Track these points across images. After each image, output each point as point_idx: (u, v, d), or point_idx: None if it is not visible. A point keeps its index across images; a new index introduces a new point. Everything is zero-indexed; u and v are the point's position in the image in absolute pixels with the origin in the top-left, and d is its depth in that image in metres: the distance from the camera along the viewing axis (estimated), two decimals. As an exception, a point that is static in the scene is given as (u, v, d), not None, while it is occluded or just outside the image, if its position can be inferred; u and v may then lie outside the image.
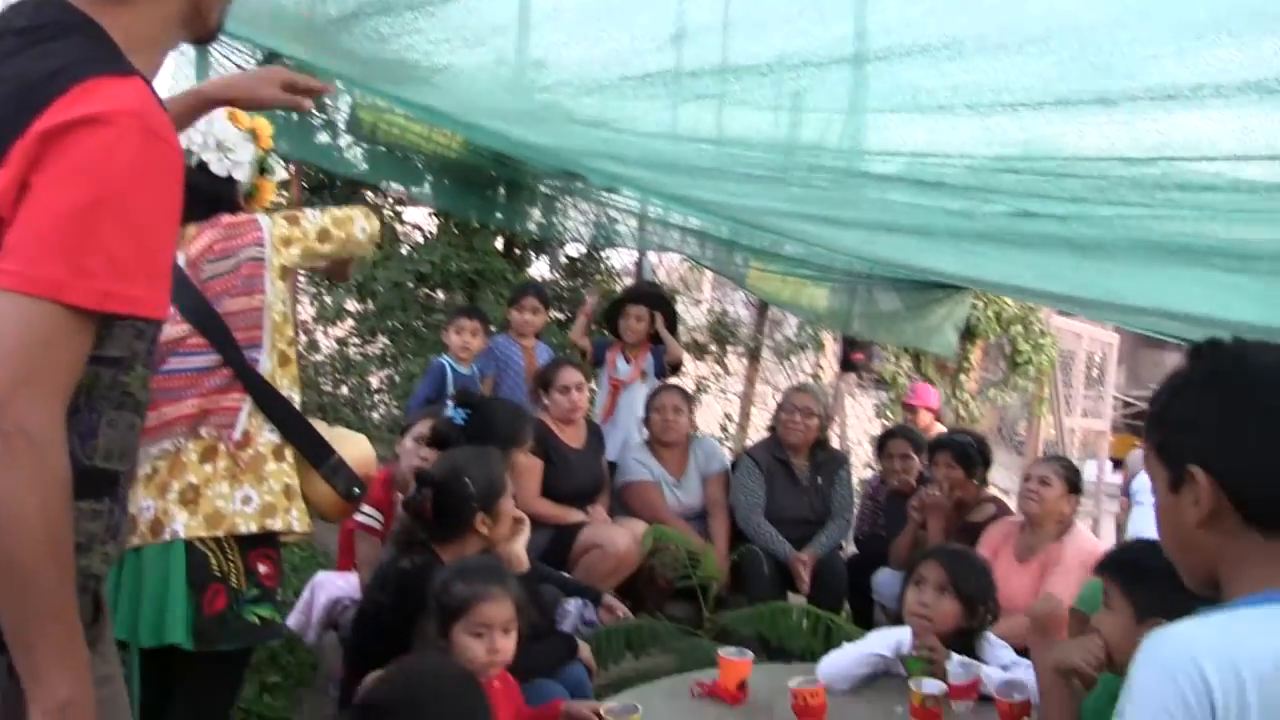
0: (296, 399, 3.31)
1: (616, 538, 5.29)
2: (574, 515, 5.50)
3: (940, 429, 7.97)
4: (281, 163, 4.03)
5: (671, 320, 6.98)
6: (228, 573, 3.07)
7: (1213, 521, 1.61)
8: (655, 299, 7.03)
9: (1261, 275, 2.61)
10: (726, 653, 3.52)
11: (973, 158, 2.72)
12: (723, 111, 3.23)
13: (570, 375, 5.71)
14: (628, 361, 6.73)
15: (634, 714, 3.03)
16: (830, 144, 3.13)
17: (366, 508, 4.50)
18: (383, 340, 9.08)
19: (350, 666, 3.49)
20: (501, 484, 3.62)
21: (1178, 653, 1.55)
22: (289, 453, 3.22)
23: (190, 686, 3.17)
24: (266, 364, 3.19)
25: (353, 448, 3.37)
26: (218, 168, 3.28)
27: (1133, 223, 2.63)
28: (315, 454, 3.25)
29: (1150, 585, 2.77)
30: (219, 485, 3.08)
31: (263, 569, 3.14)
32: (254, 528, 3.10)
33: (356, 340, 9.37)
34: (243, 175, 3.35)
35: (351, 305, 9.19)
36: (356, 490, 3.32)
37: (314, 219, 3.33)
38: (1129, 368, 26.04)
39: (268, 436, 3.18)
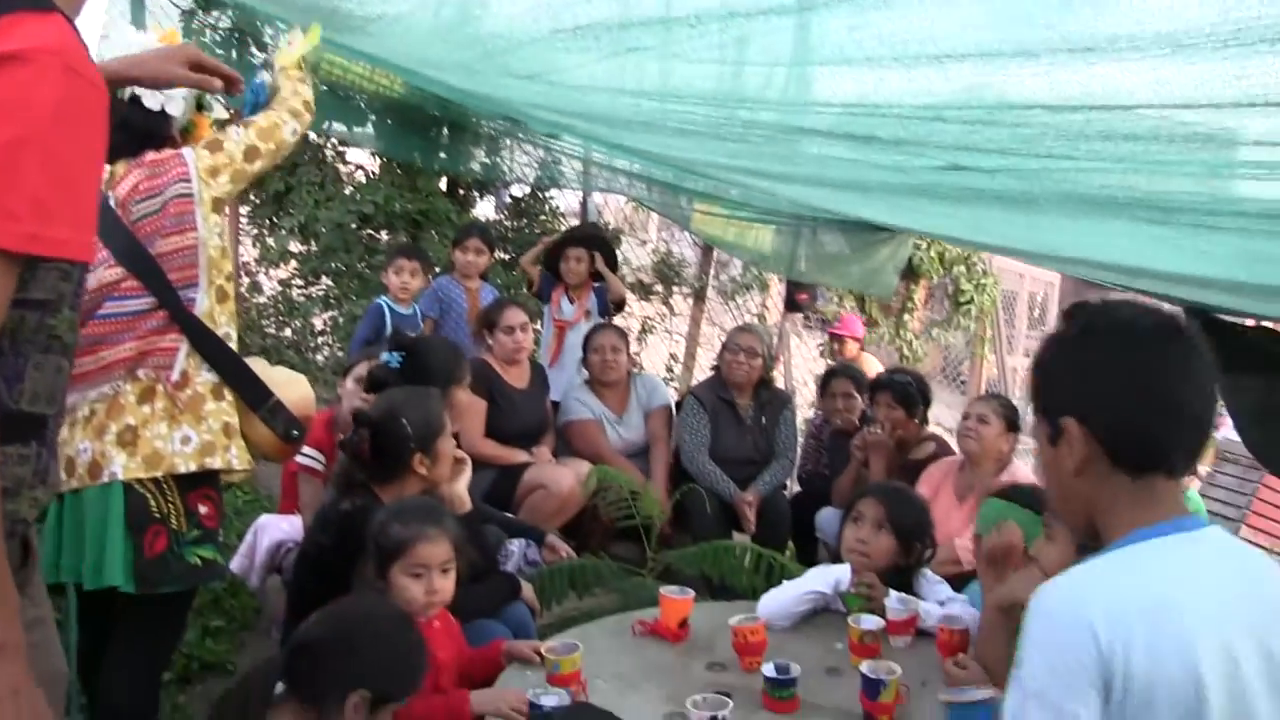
0: (234, 335, 3.27)
1: (560, 478, 5.30)
2: (518, 456, 5.51)
3: (869, 359, 8.04)
4: (221, 100, 3.94)
5: (611, 260, 6.98)
6: (167, 514, 3.04)
7: (1086, 468, 1.75)
8: (594, 240, 7.02)
9: (1183, 228, 2.65)
10: (668, 591, 3.56)
11: (901, 108, 2.74)
12: (663, 65, 3.22)
13: (514, 315, 5.68)
14: (571, 302, 6.72)
15: (575, 652, 3.05)
16: (768, 97, 3.14)
17: (308, 450, 4.48)
18: (326, 282, 8.98)
19: (291, 609, 3.48)
20: (439, 424, 3.59)
21: (1062, 603, 1.68)
22: (228, 391, 3.19)
23: (131, 629, 3.15)
24: (204, 302, 3.15)
25: (291, 389, 3.34)
26: (150, 101, 3.19)
27: (1059, 175, 2.65)
28: (253, 395, 3.22)
29: None
30: (157, 426, 3.05)
31: (203, 510, 3.12)
32: (193, 467, 3.07)
33: (299, 282, 9.26)
34: (176, 110, 3.26)
35: (294, 247, 9.07)
36: (295, 432, 3.30)
37: (238, 138, 3.25)
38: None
39: (206, 376, 3.15)
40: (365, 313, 6.41)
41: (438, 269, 7.62)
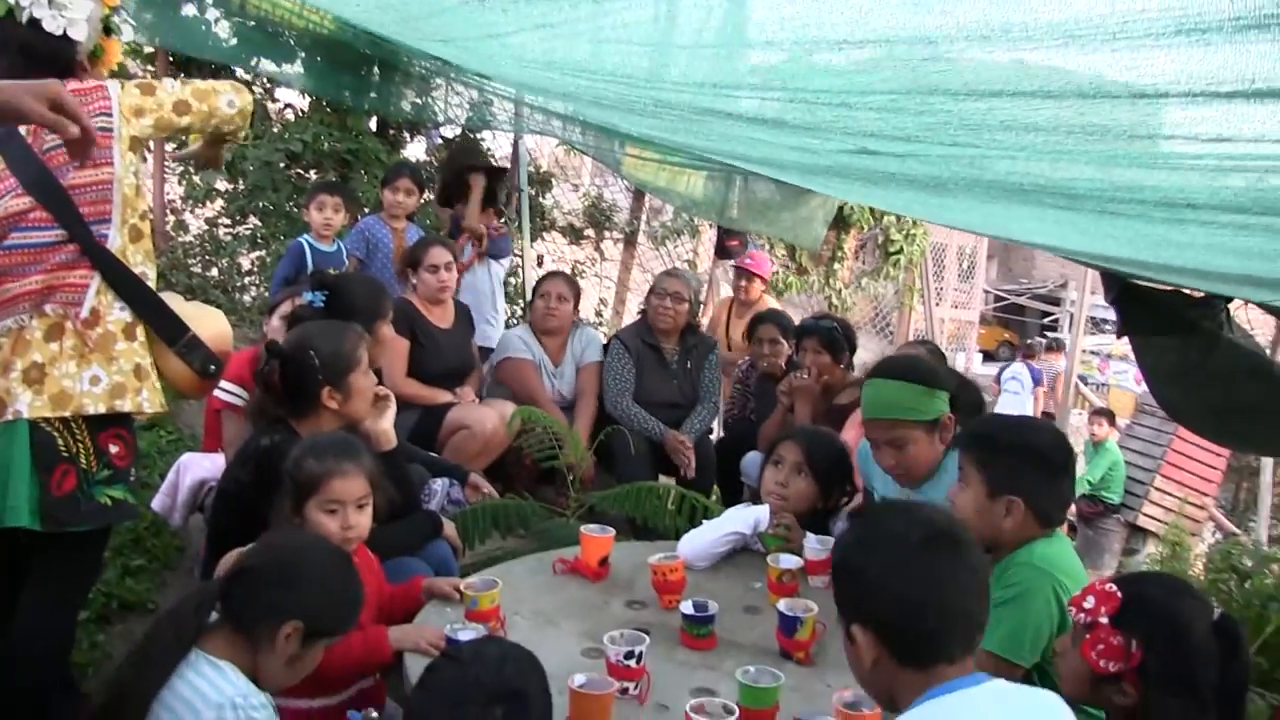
0: (151, 274, 3.21)
1: (484, 418, 5.28)
2: (441, 396, 5.48)
3: (770, 302, 8.04)
4: (132, 23, 3.84)
5: (492, 192, 6.98)
6: (76, 453, 3.00)
7: (878, 665, 1.94)
8: (488, 169, 7.01)
9: (1088, 214, 2.70)
10: (588, 529, 3.58)
11: (805, 91, 2.76)
12: (594, 48, 3.23)
13: (438, 254, 5.61)
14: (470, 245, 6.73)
15: (494, 589, 3.07)
16: (669, 79, 3.17)
17: (232, 386, 4.44)
18: (253, 221, 8.88)
19: (211, 546, 3.45)
20: (350, 359, 3.53)
21: None
22: (141, 331, 3.14)
23: (44, 571, 3.10)
24: (117, 239, 3.09)
25: (208, 324, 3.30)
26: (51, 25, 3.06)
27: (966, 162, 2.69)
28: (168, 331, 3.18)
29: (1003, 461, 2.88)
30: (66, 364, 3.00)
31: (114, 449, 3.07)
32: (102, 408, 3.02)
33: (226, 221, 9.14)
34: (80, 34, 3.13)
35: (221, 185, 8.94)
36: (213, 367, 3.26)
37: (171, 89, 3.20)
38: (1000, 261, 26.65)
39: (118, 314, 3.09)
40: (286, 251, 6.33)
41: (366, 209, 7.55)
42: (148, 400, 3.12)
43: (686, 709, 2.42)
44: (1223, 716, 2.15)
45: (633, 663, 2.71)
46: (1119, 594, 2.20)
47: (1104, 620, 2.19)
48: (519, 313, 9.03)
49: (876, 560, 1.95)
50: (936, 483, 3.54)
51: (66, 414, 2.98)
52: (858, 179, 3.24)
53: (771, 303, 8.13)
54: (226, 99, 3.27)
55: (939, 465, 3.57)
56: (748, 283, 7.90)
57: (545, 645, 2.92)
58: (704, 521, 4.00)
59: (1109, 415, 11.81)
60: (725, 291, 9.94)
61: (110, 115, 3.09)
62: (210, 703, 2.26)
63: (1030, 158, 2.51)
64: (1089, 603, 2.23)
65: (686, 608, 3.08)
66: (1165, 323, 3.71)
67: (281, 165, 8.58)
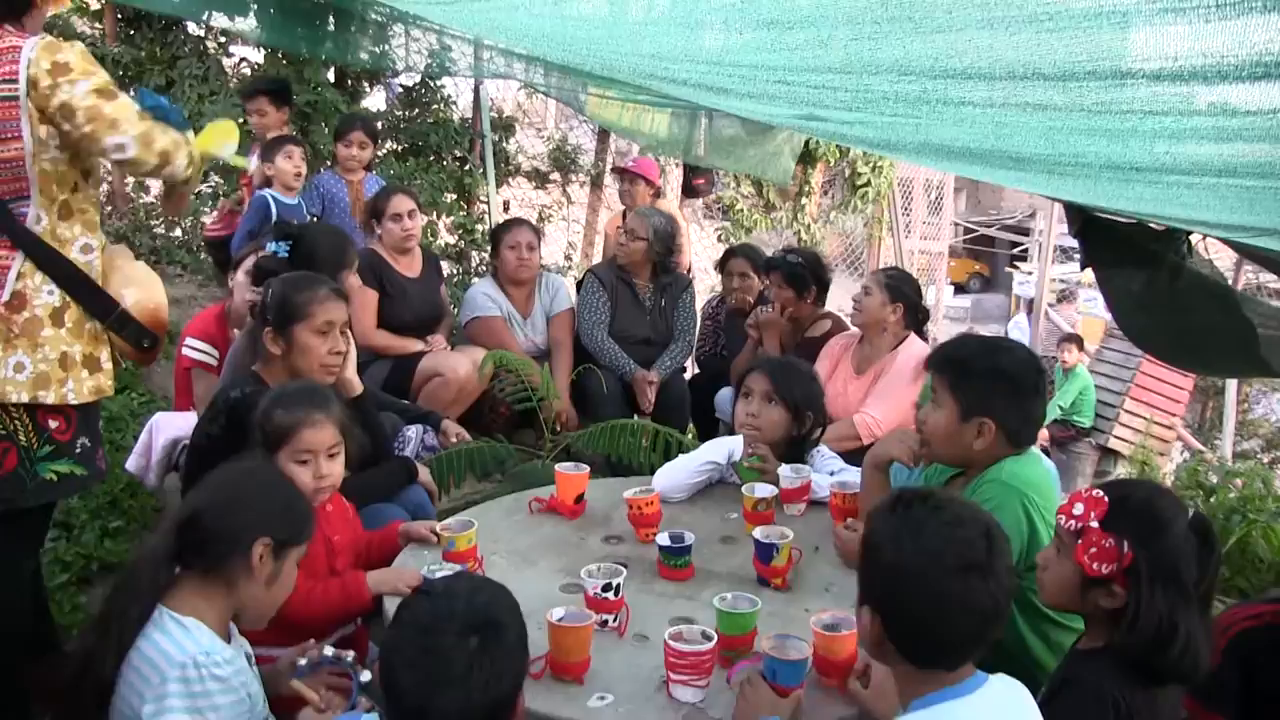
0: (95, 245, 3.11)
1: (456, 365, 5.26)
2: (412, 345, 5.45)
3: (664, 203, 7.73)
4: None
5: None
6: (14, 430, 2.96)
7: (878, 648, 2.05)
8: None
9: (1037, 174, 2.74)
10: (563, 467, 3.59)
11: (742, 68, 2.78)
12: None
13: (401, 202, 5.55)
14: None
15: (470, 529, 3.08)
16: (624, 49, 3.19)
17: (200, 344, 4.43)
18: (214, 179, 8.76)
19: (186, 502, 3.45)
20: (299, 309, 3.49)
21: None
22: (71, 316, 3.05)
23: None
24: (43, 218, 2.99)
25: (139, 294, 3.19)
26: None
27: (911, 127, 2.73)
28: (97, 309, 3.09)
29: (975, 383, 2.90)
30: None
31: (54, 424, 3.02)
32: (25, 398, 2.95)
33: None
34: None
35: (180, 143, 8.82)
36: (146, 342, 3.20)
37: (84, 86, 2.92)
38: (969, 194, 26.65)
39: (45, 298, 3.00)
40: (248, 205, 6.26)
41: (329, 162, 7.47)
42: (73, 391, 3.03)
43: (665, 637, 2.43)
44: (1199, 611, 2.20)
45: (611, 595, 2.72)
46: (1105, 498, 2.23)
47: (1094, 524, 2.22)
48: (485, 260, 8.96)
49: (905, 570, 1.98)
50: None
51: None
52: (812, 131, 3.30)
53: (669, 207, 7.77)
54: (117, 141, 2.96)
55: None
56: (630, 185, 7.42)
57: (524, 583, 2.94)
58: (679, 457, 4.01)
59: (1078, 341, 11.88)
60: (694, 232, 9.91)
61: (15, 81, 2.90)
62: (173, 661, 2.23)
63: (975, 127, 2.56)
64: (1078, 509, 2.26)
65: (663, 539, 3.09)
66: (1128, 255, 3.73)
67: (240, 121, 8.47)
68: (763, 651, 2.41)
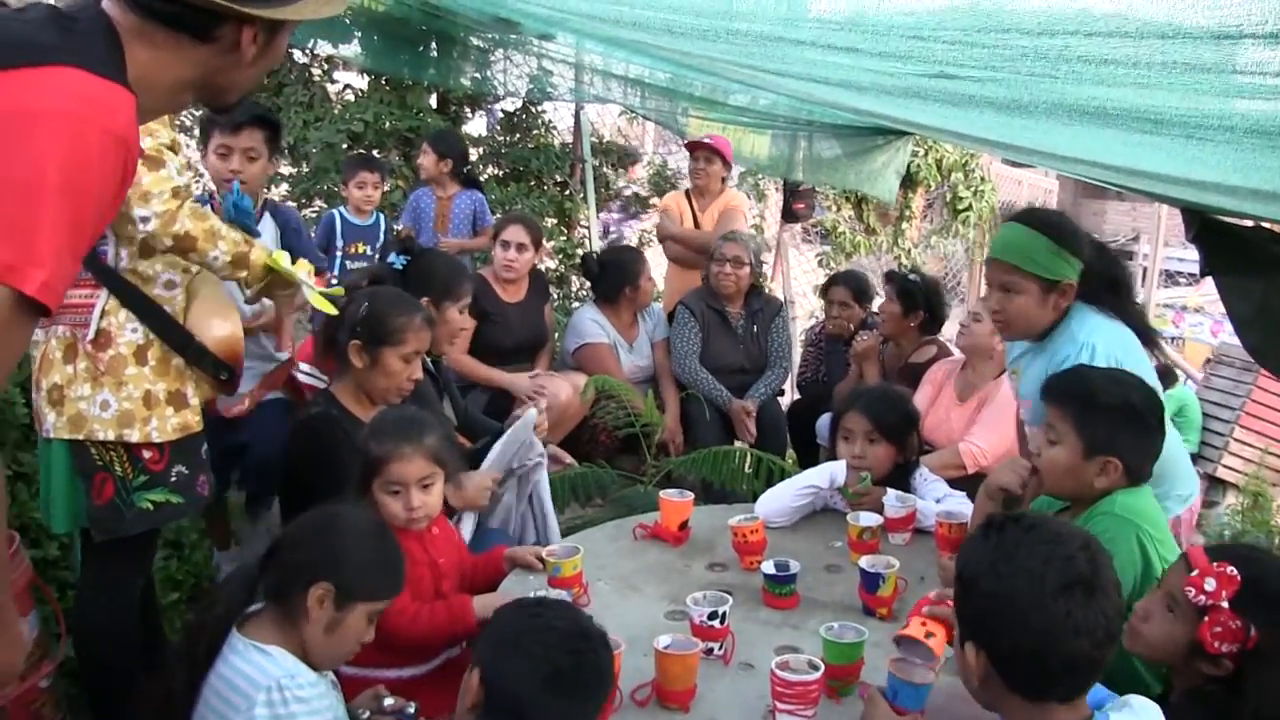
0: (179, 282, 3.12)
1: (557, 389, 5.29)
2: (501, 379, 5.48)
3: (735, 192, 7.55)
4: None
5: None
6: (110, 461, 3.01)
7: (986, 682, 1.98)
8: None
9: (1175, 139, 2.64)
10: (667, 494, 3.57)
11: (877, 25, 2.75)
12: None
13: (516, 232, 5.65)
14: None
15: (576, 555, 3.07)
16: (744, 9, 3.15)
17: (310, 368, 4.49)
18: (318, 204, 8.92)
19: (286, 523, 3.50)
20: (394, 332, 3.52)
21: None
22: (154, 354, 3.07)
23: (97, 553, 3.15)
24: (124, 255, 3.02)
25: (215, 330, 3.20)
26: None
27: (1046, 86, 2.65)
28: (177, 343, 3.12)
29: (1101, 421, 2.76)
30: (80, 387, 2.97)
31: (147, 455, 3.05)
32: (110, 436, 2.99)
33: (291, 204, 9.19)
34: None
35: (284, 169, 8.99)
36: (223, 376, 3.22)
37: (163, 172, 2.92)
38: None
39: (130, 336, 3.03)
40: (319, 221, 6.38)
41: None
42: (157, 430, 3.05)
43: (772, 666, 2.41)
44: None
45: (716, 623, 2.70)
46: (1239, 577, 2.15)
47: (1224, 604, 2.14)
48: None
49: (1005, 597, 1.91)
50: (1041, 351, 3.36)
51: (80, 437, 2.98)
52: (936, 100, 3.20)
53: (739, 197, 7.58)
54: (226, 250, 3.06)
55: (1047, 332, 3.35)
56: (706, 164, 6.96)
57: (629, 609, 2.93)
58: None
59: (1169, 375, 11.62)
60: (794, 256, 9.85)
61: None
62: (258, 685, 2.24)
63: (1112, 86, 2.46)
64: (1209, 585, 2.16)
65: (768, 568, 3.06)
66: (1248, 259, 3.60)
67: (344, 146, 8.60)
68: (888, 669, 2.37)
